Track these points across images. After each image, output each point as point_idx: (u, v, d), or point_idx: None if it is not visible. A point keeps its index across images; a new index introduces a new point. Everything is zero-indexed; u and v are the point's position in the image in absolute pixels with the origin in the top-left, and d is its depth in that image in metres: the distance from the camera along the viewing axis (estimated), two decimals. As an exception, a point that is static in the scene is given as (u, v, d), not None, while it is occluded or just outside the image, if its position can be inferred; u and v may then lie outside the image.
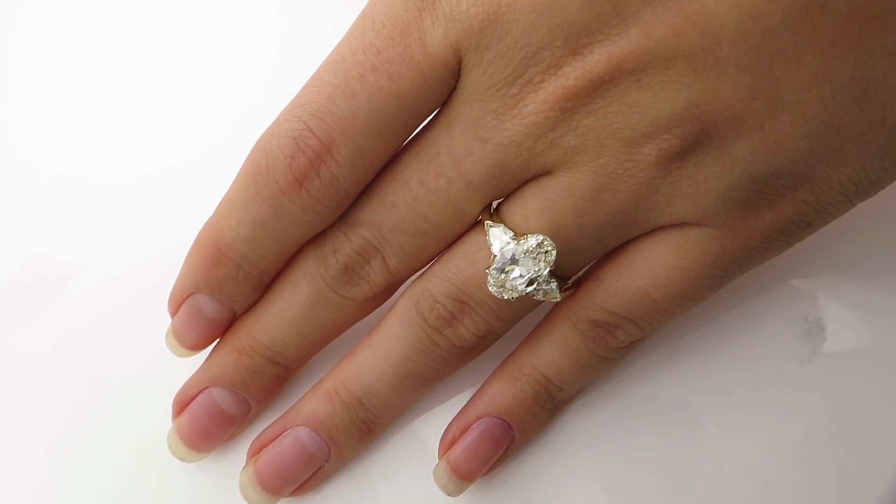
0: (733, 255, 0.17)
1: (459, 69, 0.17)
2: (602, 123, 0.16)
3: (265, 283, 0.20)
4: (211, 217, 0.19)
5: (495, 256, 0.17)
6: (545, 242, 0.17)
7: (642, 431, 0.21)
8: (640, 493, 0.20)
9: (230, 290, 0.19)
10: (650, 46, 0.15)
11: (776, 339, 0.21)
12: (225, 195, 0.19)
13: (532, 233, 0.17)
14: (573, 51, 0.16)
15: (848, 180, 0.16)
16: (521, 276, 0.17)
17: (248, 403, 0.20)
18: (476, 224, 0.18)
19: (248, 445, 0.21)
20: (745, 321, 0.21)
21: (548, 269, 0.17)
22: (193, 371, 0.21)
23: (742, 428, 0.21)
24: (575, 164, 0.17)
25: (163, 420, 0.21)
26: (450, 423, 0.20)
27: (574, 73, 0.16)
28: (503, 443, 0.19)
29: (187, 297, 0.20)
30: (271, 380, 0.20)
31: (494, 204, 0.18)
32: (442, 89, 0.17)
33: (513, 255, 0.17)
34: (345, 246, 0.19)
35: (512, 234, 0.17)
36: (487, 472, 0.20)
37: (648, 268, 0.18)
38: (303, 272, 0.19)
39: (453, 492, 0.20)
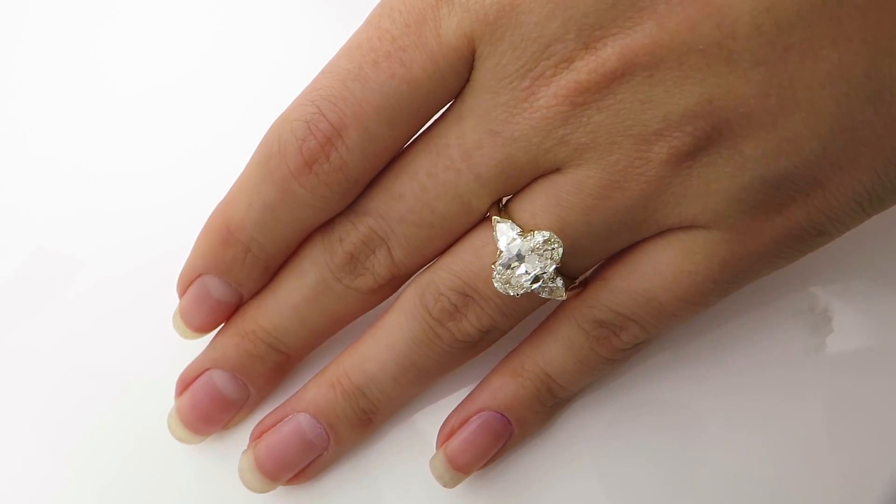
0: (742, 260, 0.17)
1: (473, 60, 0.17)
2: (613, 120, 0.16)
3: (273, 269, 0.20)
4: (223, 199, 0.19)
5: (501, 252, 0.17)
6: (552, 239, 0.17)
7: (643, 425, 0.21)
8: (643, 487, 0.20)
9: (238, 273, 0.19)
10: (664, 39, 0.15)
11: (782, 331, 0.21)
12: (238, 178, 0.19)
13: (539, 229, 0.17)
14: (586, 44, 0.16)
15: (861, 186, 0.16)
16: (526, 272, 0.17)
17: (247, 389, 0.20)
18: (484, 220, 0.18)
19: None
20: (751, 312, 0.21)
21: (554, 266, 0.17)
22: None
23: (746, 424, 0.20)
24: (585, 161, 0.17)
25: (165, 415, 0.21)
26: (449, 415, 0.20)
27: (586, 68, 0.16)
28: (501, 437, 0.19)
29: (196, 278, 0.20)
30: (272, 367, 0.20)
31: (504, 201, 0.18)
32: (455, 80, 0.17)
33: (519, 252, 0.17)
34: (351, 234, 0.19)
35: (519, 230, 0.17)
36: (484, 465, 0.20)
37: (655, 270, 0.17)
38: (309, 259, 0.19)
39: (449, 483, 0.20)
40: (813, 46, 0.15)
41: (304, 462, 0.20)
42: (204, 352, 0.20)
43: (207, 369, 0.20)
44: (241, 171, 0.19)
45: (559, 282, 0.17)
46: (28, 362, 0.22)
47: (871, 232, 0.20)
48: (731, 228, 0.17)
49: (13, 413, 0.22)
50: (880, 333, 0.21)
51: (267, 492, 0.20)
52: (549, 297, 0.17)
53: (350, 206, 0.19)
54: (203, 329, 0.20)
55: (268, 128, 0.18)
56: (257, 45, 0.24)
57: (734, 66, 0.15)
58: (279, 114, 0.18)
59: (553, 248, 0.17)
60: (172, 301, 0.21)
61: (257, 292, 0.20)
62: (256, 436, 0.20)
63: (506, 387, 0.19)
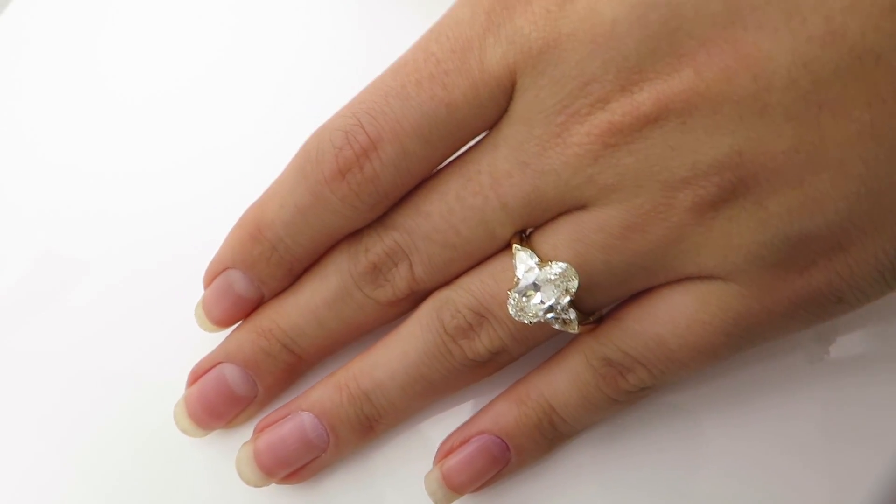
0: (756, 317, 0.17)
1: (513, 91, 0.17)
2: (642, 164, 0.16)
3: (296, 272, 0.20)
4: (259, 197, 0.20)
5: (518, 279, 0.17)
6: (569, 272, 0.17)
7: (644, 429, 0.21)
8: (643, 490, 0.20)
9: (262, 270, 0.20)
10: (700, 88, 0.15)
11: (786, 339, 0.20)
12: (276, 179, 0.20)
13: (558, 261, 0.17)
14: (623, 86, 0.16)
15: (885, 255, 0.16)
16: (541, 302, 0.17)
17: (255, 387, 0.21)
18: (506, 247, 0.18)
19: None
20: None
21: (568, 298, 0.17)
22: None
23: (747, 428, 0.20)
24: (610, 201, 0.17)
25: (172, 418, 0.21)
26: (450, 434, 0.20)
27: (621, 109, 0.16)
28: (499, 462, 0.19)
29: (222, 271, 0.20)
30: (283, 367, 0.20)
31: (527, 232, 0.18)
32: (493, 108, 0.18)
33: (535, 280, 0.17)
34: (377, 246, 0.19)
35: (538, 259, 0.17)
36: (479, 489, 0.20)
37: (669, 315, 0.18)
38: (333, 265, 0.20)
39: (441, 501, 0.20)
40: (847, 106, 0.15)
41: (302, 461, 0.20)
42: (219, 345, 0.21)
43: (220, 363, 0.21)
44: (246, 176, 0.20)
45: (572, 314, 0.17)
46: (35, 365, 0.22)
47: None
48: (749, 284, 0.17)
49: (19, 415, 0.22)
50: (882, 340, 0.21)
51: (261, 486, 0.21)
52: (562, 328, 0.18)
53: (380, 219, 0.19)
54: (222, 322, 0.21)
55: (273, 134, 0.19)
56: (267, 50, 0.24)
57: (767, 119, 0.15)
58: (285, 120, 0.19)
59: (569, 281, 0.17)
60: (178, 304, 0.21)
61: (279, 293, 0.21)
62: (259, 429, 0.21)
63: (509, 412, 0.19)
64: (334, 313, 0.20)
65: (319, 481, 0.21)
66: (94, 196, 0.23)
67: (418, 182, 0.19)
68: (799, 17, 0.15)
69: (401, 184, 0.18)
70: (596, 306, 0.18)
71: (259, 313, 0.21)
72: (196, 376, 0.21)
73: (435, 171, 0.19)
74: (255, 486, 0.21)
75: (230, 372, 0.20)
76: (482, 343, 0.19)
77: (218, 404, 0.21)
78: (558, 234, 0.18)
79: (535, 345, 0.19)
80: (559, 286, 0.17)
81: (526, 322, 0.17)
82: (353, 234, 0.20)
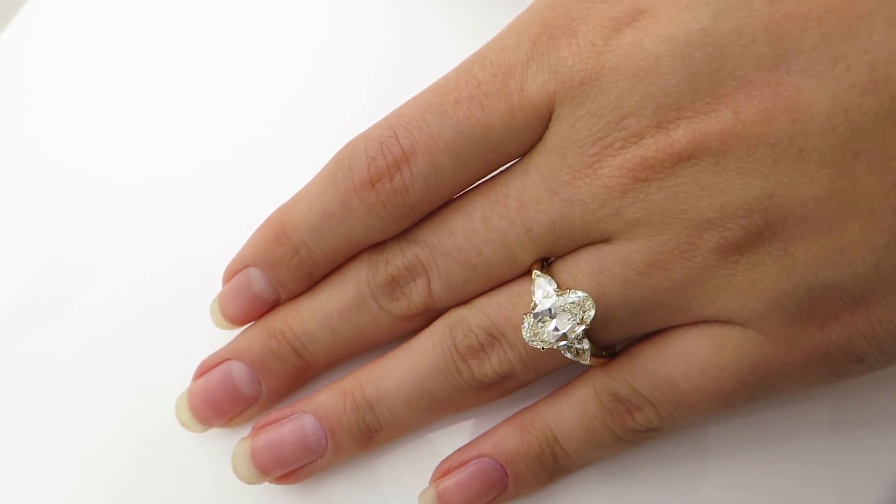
0: (772, 366, 0.17)
1: (549, 120, 0.18)
2: (670, 201, 0.16)
3: (315, 277, 0.20)
4: (288, 200, 0.20)
5: (535, 304, 0.17)
6: (586, 301, 0.17)
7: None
8: (645, 493, 0.20)
9: (282, 272, 0.20)
10: (737, 128, 0.15)
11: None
12: (307, 183, 0.20)
13: (576, 290, 0.17)
14: (659, 123, 0.16)
15: None
16: (555, 329, 0.17)
17: (260, 387, 0.20)
18: (525, 274, 0.19)
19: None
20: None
21: (583, 327, 0.17)
22: None
23: (753, 434, 0.20)
24: (634, 236, 0.17)
25: (178, 426, 0.21)
26: (450, 455, 0.20)
27: (655, 145, 0.16)
28: (496, 488, 0.19)
29: (243, 268, 0.20)
30: (290, 370, 0.20)
31: (549, 260, 0.18)
32: (528, 134, 0.18)
33: (552, 307, 0.17)
34: (397, 259, 0.19)
35: (556, 286, 0.17)
36: None
37: (683, 356, 0.17)
38: (352, 274, 0.20)
39: None
40: (883, 156, 0.15)
41: (298, 463, 0.20)
42: (230, 343, 0.21)
43: (228, 359, 0.21)
44: (257, 181, 0.20)
45: (585, 345, 0.17)
46: (42, 370, 0.22)
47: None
48: (767, 332, 0.17)
49: (27, 421, 0.22)
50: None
51: (253, 484, 0.21)
52: (574, 358, 0.18)
53: (403, 233, 0.19)
54: (236, 320, 0.21)
55: (282, 140, 0.19)
56: (278, 54, 0.24)
57: (801, 164, 0.15)
58: (293, 127, 0.19)
59: (586, 311, 0.17)
60: (184, 310, 0.22)
61: (295, 297, 0.21)
62: (259, 427, 0.21)
63: (511, 438, 0.19)
64: (347, 322, 0.20)
65: (324, 489, 0.21)
66: (101, 201, 0.23)
67: (445, 200, 0.19)
68: (844, 64, 0.15)
69: (428, 199, 0.19)
70: (610, 341, 0.18)
71: (273, 315, 0.21)
72: (203, 371, 0.21)
73: (463, 192, 0.19)
74: (248, 482, 0.21)
75: (237, 370, 0.20)
76: (491, 365, 0.19)
77: (221, 401, 0.21)
78: (579, 265, 0.18)
79: (545, 373, 0.19)
80: (575, 314, 0.17)
81: (538, 347, 0.17)
82: (377, 246, 0.20)
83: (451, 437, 0.21)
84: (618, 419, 0.18)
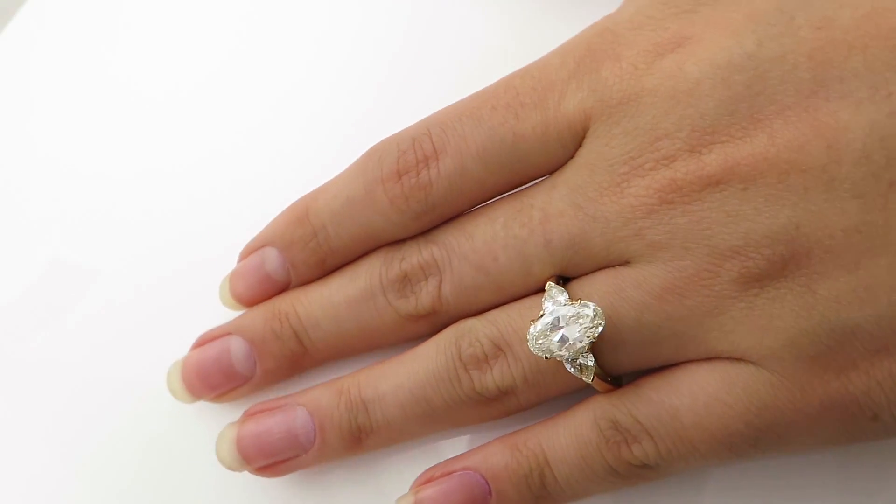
0: (783, 412, 0.16)
1: (583, 139, 0.18)
2: (694, 226, 0.16)
3: (328, 266, 0.20)
4: (317, 187, 0.20)
5: (544, 312, 0.17)
6: (596, 315, 0.17)
7: None
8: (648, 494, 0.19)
9: (296, 254, 0.20)
10: (770, 154, 0.15)
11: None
12: (339, 173, 0.20)
13: (588, 303, 0.17)
14: (693, 146, 0.16)
15: None
16: (561, 338, 0.17)
17: (254, 367, 0.20)
18: (539, 291, 0.18)
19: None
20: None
21: (589, 340, 0.17)
22: None
23: None
24: (654, 259, 0.17)
25: (181, 426, 0.21)
26: (435, 465, 0.19)
27: (685, 168, 0.16)
28: (476, 503, 0.18)
29: (259, 248, 0.21)
30: (287, 354, 0.20)
31: (565, 280, 0.18)
32: (558, 149, 0.18)
33: (561, 316, 0.17)
34: (413, 257, 0.19)
35: (568, 297, 0.17)
36: None
37: (690, 389, 0.17)
38: (367, 266, 0.20)
39: None
40: None
41: (282, 455, 0.20)
42: (234, 319, 0.21)
43: (229, 334, 0.20)
44: (261, 182, 0.21)
45: (590, 361, 0.17)
46: (45, 373, 0.22)
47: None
48: (781, 374, 0.16)
49: (27, 423, 0.22)
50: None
51: (234, 470, 0.20)
52: (577, 374, 0.17)
53: (423, 234, 0.19)
54: (242, 298, 0.21)
55: (284, 141, 0.20)
56: (283, 56, 0.24)
57: (832, 193, 0.15)
58: (295, 127, 0.19)
59: (595, 325, 0.17)
60: (187, 311, 0.22)
61: (305, 284, 0.21)
62: (249, 414, 0.20)
63: (500, 455, 0.18)
64: (353, 313, 0.20)
65: (327, 489, 0.21)
66: (103, 202, 0.23)
67: (467, 205, 0.19)
68: (885, 91, 0.15)
69: (451, 200, 0.19)
70: (617, 368, 0.18)
71: (280, 297, 0.20)
72: (202, 342, 0.21)
73: (488, 202, 0.19)
74: (229, 468, 0.20)
75: (235, 345, 0.20)
76: (493, 377, 0.18)
77: (213, 374, 0.20)
78: (595, 285, 0.17)
79: (546, 396, 0.18)
80: (584, 327, 0.17)
81: (542, 356, 0.17)
82: (394, 244, 0.20)
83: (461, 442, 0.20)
84: (614, 448, 0.17)
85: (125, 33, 0.25)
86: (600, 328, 0.16)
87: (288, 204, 0.21)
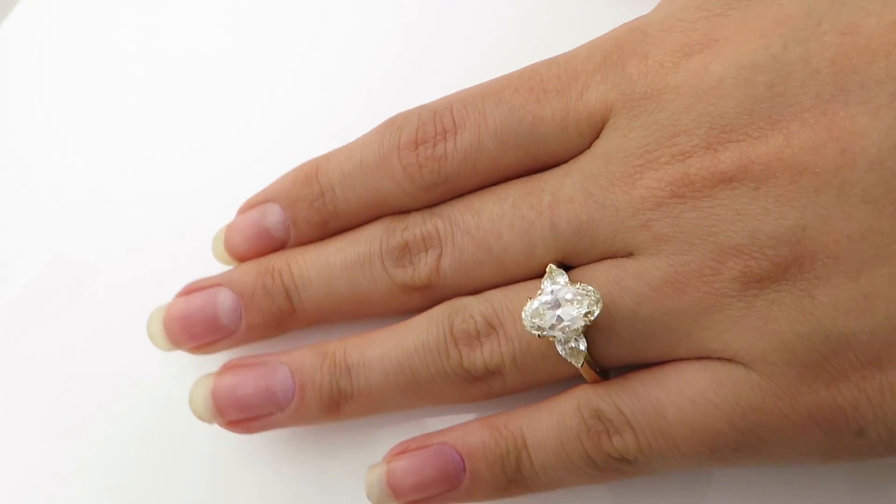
0: (767, 417, 0.16)
1: (600, 130, 0.18)
2: (702, 222, 0.16)
3: (329, 229, 0.20)
4: (330, 150, 0.20)
5: (542, 290, 0.17)
6: (594, 298, 0.17)
7: None
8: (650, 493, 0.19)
9: (300, 211, 0.20)
10: (785, 154, 0.15)
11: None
12: (355, 139, 0.20)
13: (587, 285, 0.17)
14: (709, 144, 0.16)
15: None
16: (557, 319, 0.17)
17: (239, 321, 0.20)
18: (540, 276, 0.18)
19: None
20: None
21: (583, 323, 0.16)
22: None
23: None
24: (658, 252, 0.17)
25: (181, 422, 0.21)
26: (413, 437, 0.19)
27: (699, 164, 0.16)
28: (449, 481, 0.18)
29: (262, 203, 0.20)
30: (275, 311, 0.20)
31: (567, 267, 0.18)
32: (575, 138, 0.18)
33: (560, 298, 0.17)
34: (417, 227, 0.19)
35: (568, 279, 0.17)
36: (414, 503, 0.18)
37: (678, 385, 0.17)
38: (368, 232, 0.20)
39: (371, 497, 0.18)
40: None
41: (257, 410, 0.19)
42: (225, 272, 0.21)
43: (219, 285, 0.20)
44: (259, 177, 0.20)
45: (582, 345, 0.17)
46: (45, 367, 0.22)
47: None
48: (771, 377, 0.16)
49: (29, 420, 0.22)
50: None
51: (205, 421, 0.20)
52: (567, 356, 0.17)
53: (430, 207, 0.19)
54: (235, 251, 0.20)
55: (288, 135, 0.20)
56: (283, 47, 0.24)
57: (842, 197, 0.15)
58: (299, 122, 0.20)
59: (591, 308, 0.17)
60: None
61: (302, 245, 0.20)
62: (228, 367, 0.20)
63: (479, 433, 0.18)
64: (347, 277, 0.19)
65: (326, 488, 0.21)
66: (104, 197, 0.23)
67: (479, 183, 0.19)
68: None
69: (464, 174, 0.19)
70: (607, 358, 0.18)
71: (275, 254, 0.20)
72: (189, 291, 0.20)
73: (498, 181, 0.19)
74: (200, 418, 0.20)
75: (223, 297, 0.20)
76: (482, 355, 0.18)
77: (196, 324, 0.20)
78: (595, 274, 0.17)
79: (532, 381, 0.18)
80: (580, 309, 0.17)
81: (535, 333, 0.17)
82: (399, 213, 0.20)
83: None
84: (594, 438, 0.17)
85: (127, 24, 0.25)
86: (597, 312, 0.16)
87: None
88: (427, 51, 0.23)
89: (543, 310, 0.17)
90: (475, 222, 0.18)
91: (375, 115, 0.20)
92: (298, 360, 0.19)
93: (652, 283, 0.17)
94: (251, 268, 0.20)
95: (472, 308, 0.18)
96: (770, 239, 0.16)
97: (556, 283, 0.17)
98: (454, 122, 0.19)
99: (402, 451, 0.19)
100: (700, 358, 0.17)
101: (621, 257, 0.17)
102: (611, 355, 0.17)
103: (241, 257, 0.21)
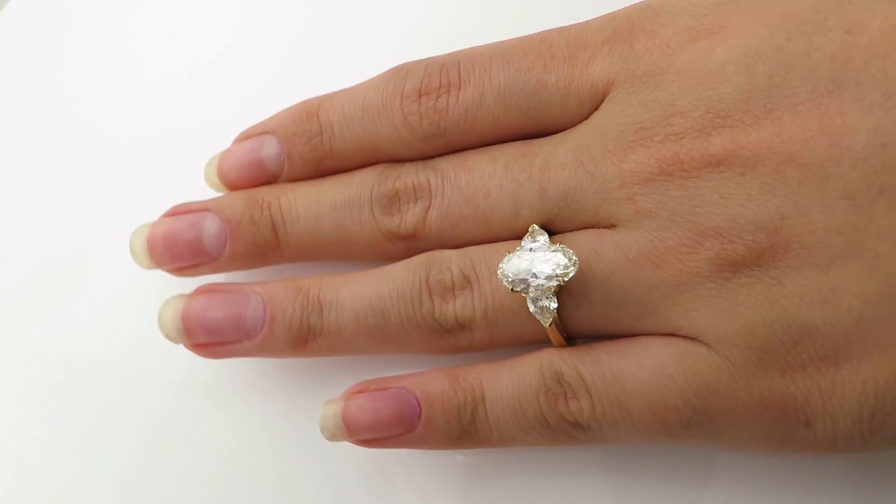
0: (721, 397, 0.16)
1: (601, 102, 0.18)
2: (686, 201, 0.17)
3: (323, 168, 0.20)
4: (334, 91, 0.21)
5: (522, 245, 0.17)
6: (570, 259, 0.17)
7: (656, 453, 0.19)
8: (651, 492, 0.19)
9: (296, 146, 0.20)
10: (774, 144, 0.16)
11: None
12: (359, 83, 0.20)
13: (566, 248, 0.17)
14: (703, 127, 0.17)
15: (874, 385, 0.15)
16: (533, 276, 0.17)
17: (222, 248, 0.20)
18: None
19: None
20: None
21: (557, 282, 0.17)
22: (214, 368, 0.22)
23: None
24: (640, 226, 0.17)
25: (181, 413, 0.21)
26: (374, 378, 0.19)
27: (691, 145, 0.17)
28: (404, 424, 0.18)
29: (260, 134, 0.21)
30: (259, 242, 0.20)
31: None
32: (575, 108, 0.18)
33: (537, 256, 0.17)
34: (409, 177, 0.19)
35: (548, 239, 0.17)
36: (369, 444, 0.19)
37: (639, 357, 0.17)
38: (360, 176, 0.20)
39: (325, 431, 0.18)
40: None
41: (224, 337, 0.19)
42: (216, 197, 0.21)
43: (206, 210, 0.20)
44: None
45: (553, 304, 0.17)
46: (43, 359, 0.23)
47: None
48: (730, 359, 0.16)
49: (31, 411, 0.22)
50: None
51: (172, 341, 0.20)
52: (538, 316, 0.17)
53: (424, 159, 0.19)
54: (227, 178, 0.21)
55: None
56: (285, 41, 0.24)
57: (824, 190, 0.15)
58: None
59: (566, 270, 0.17)
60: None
61: (295, 181, 0.20)
62: (203, 290, 0.20)
63: (439, 382, 0.18)
64: (335, 217, 0.20)
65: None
66: (104, 191, 0.23)
67: (477, 140, 0.19)
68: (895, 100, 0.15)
69: (462, 129, 0.19)
70: (576, 324, 0.18)
71: (266, 187, 0.20)
72: (175, 213, 0.20)
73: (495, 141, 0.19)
74: (167, 336, 0.20)
75: (210, 221, 0.20)
76: (453, 308, 0.18)
77: (180, 245, 0.20)
78: (576, 240, 0.18)
79: (500, 340, 0.19)
80: (555, 269, 0.17)
81: (508, 287, 0.17)
82: (393, 162, 0.20)
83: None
84: (551, 399, 0.17)
85: (130, 15, 0.25)
86: (571, 273, 0.17)
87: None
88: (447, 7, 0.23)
89: (519, 265, 0.17)
90: (466, 179, 0.19)
91: (384, 64, 0.20)
92: (272, 291, 0.20)
93: (629, 255, 0.17)
94: (240, 197, 0.20)
95: (451, 261, 0.18)
96: (749, 224, 0.16)
97: (535, 242, 0.17)
98: (460, 77, 0.19)
99: (360, 389, 0.19)
100: (666, 334, 0.17)
101: (603, 228, 0.18)
102: (580, 320, 0.18)
103: (232, 185, 0.21)
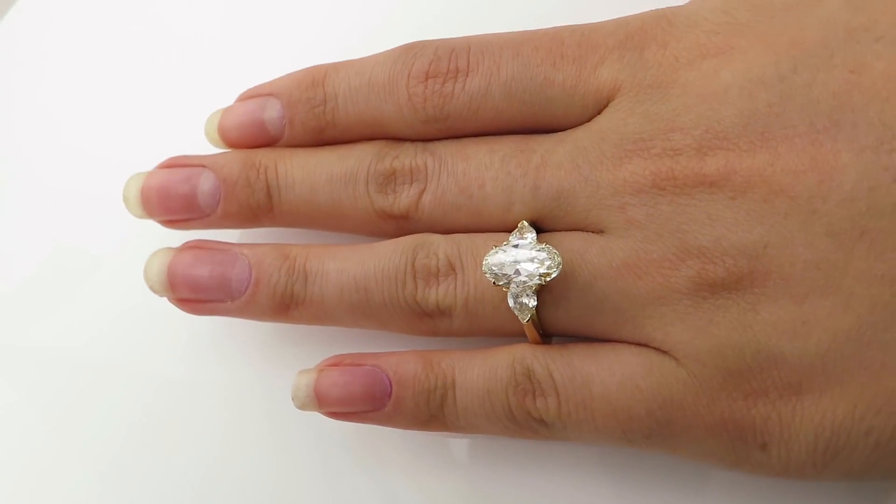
0: (683, 413, 0.17)
1: (604, 107, 0.18)
2: (674, 217, 0.17)
3: (323, 137, 0.20)
4: (342, 61, 0.20)
5: (508, 243, 0.18)
6: (555, 260, 0.17)
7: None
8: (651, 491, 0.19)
9: (298, 112, 0.20)
10: (766, 173, 0.16)
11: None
12: (372, 55, 0.20)
13: (552, 248, 0.17)
14: (700, 146, 0.17)
15: (832, 417, 0.16)
16: (515, 272, 0.17)
17: (215, 207, 0.20)
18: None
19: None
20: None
21: (538, 282, 0.17)
22: (215, 366, 0.22)
23: None
24: (627, 235, 0.17)
25: (183, 412, 0.22)
26: (350, 353, 0.19)
27: (686, 162, 0.17)
28: (374, 402, 0.18)
29: (264, 95, 0.20)
30: (252, 205, 0.20)
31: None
32: (578, 110, 0.18)
33: (522, 252, 0.17)
34: (407, 158, 0.19)
35: (535, 237, 0.18)
36: (338, 416, 0.19)
37: (610, 364, 0.17)
38: (359, 150, 0.20)
39: (296, 400, 0.19)
40: (886, 244, 0.15)
41: (208, 295, 0.20)
42: (213, 154, 0.21)
43: (202, 166, 0.20)
44: None
45: (532, 302, 0.17)
46: (46, 358, 0.23)
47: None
48: (697, 377, 0.17)
49: (34, 410, 0.22)
50: None
51: (155, 293, 0.20)
52: (516, 311, 0.17)
53: (425, 142, 0.20)
54: (227, 135, 0.21)
55: None
56: (286, 37, 0.24)
57: (809, 225, 0.16)
58: None
59: (549, 269, 0.17)
60: None
61: (294, 147, 0.20)
62: (191, 246, 0.20)
63: (413, 364, 0.19)
64: (329, 189, 0.20)
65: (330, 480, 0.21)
66: (106, 188, 0.23)
67: (478, 129, 0.19)
68: (889, 146, 0.15)
69: (464, 116, 0.19)
70: (554, 323, 0.18)
71: (265, 150, 0.20)
72: (171, 165, 0.20)
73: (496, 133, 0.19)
74: (151, 288, 0.20)
75: (205, 179, 0.20)
76: (436, 293, 0.18)
77: (173, 198, 0.20)
78: (562, 241, 0.18)
79: (478, 330, 0.19)
80: (539, 268, 0.17)
81: (491, 280, 0.17)
82: (396, 141, 0.20)
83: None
84: (520, 394, 0.18)
85: (129, 15, 0.25)
86: (554, 274, 0.17)
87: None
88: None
89: (504, 260, 0.17)
90: (463, 167, 0.19)
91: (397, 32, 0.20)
92: (259, 255, 0.20)
93: (613, 262, 0.17)
94: (238, 157, 0.20)
95: (438, 246, 0.19)
96: (733, 248, 0.16)
97: (523, 238, 0.18)
98: (468, 64, 0.19)
99: (335, 363, 0.19)
100: (639, 344, 0.17)
101: (592, 232, 0.18)
102: (557, 320, 0.18)
103: (232, 143, 0.21)
